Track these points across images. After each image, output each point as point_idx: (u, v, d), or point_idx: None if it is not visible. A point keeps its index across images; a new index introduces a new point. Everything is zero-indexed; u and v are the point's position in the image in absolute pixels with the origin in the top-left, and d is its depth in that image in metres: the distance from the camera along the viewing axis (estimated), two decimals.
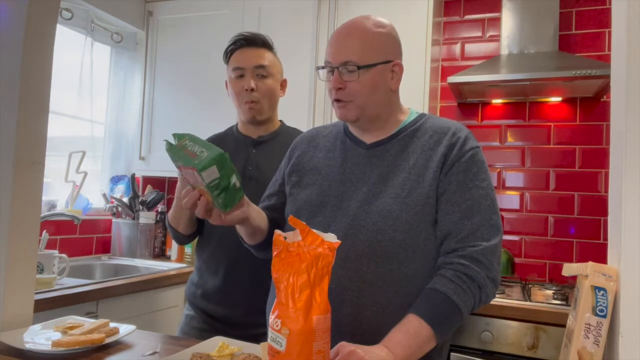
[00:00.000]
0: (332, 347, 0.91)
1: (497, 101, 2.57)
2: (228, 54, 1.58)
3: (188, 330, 1.54)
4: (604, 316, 0.80)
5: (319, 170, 1.20)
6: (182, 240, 1.60)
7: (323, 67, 1.15)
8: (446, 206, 1.07)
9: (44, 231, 2.06)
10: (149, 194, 2.82)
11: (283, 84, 1.63)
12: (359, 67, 1.09)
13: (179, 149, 0.96)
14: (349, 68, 1.10)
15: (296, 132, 1.62)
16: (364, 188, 1.12)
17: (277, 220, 1.25)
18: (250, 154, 1.56)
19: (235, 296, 1.48)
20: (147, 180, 2.96)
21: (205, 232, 1.58)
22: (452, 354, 1.90)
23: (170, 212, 1.54)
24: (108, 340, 1.13)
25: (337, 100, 1.13)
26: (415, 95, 2.29)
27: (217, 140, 1.63)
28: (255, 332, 1.35)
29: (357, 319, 1.05)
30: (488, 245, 1.04)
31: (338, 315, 0.98)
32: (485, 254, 1.03)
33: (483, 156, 1.13)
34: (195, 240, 1.64)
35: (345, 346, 0.90)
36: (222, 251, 1.51)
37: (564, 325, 0.94)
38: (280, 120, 1.65)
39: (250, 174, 1.52)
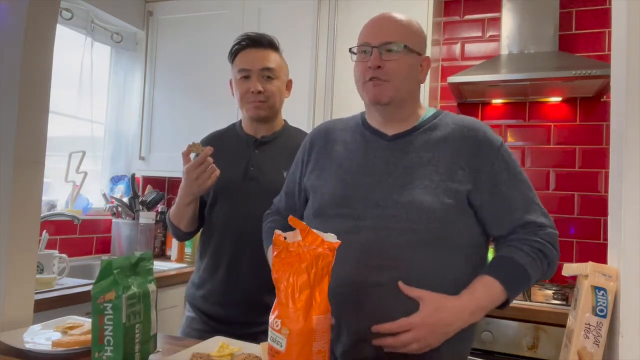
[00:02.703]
0: (331, 346, 0.90)
1: (497, 101, 2.57)
2: (233, 54, 1.57)
3: (189, 331, 1.54)
4: (604, 316, 0.80)
5: (340, 164, 1.19)
6: (182, 237, 1.61)
7: (361, 48, 1.16)
8: (501, 204, 1.11)
9: (44, 231, 2.05)
10: (149, 194, 2.82)
11: (289, 85, 1.62)
12: (405, 46, 1.13)
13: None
14: (391, 47, 1.12)
15: (299, 132, 1.61)
16: (389, 179, 1.12)
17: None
18: (252, 154, 1.55)
19: (235, 296, 1.48)
20: (147, 180, 2.96)
21: (205, 233, 1.58)
22: None
23: (173, 209, 1.53)
24: None
25: (372, 80, 1.13)
26: None
27: (216, 138, 1.62)
28: (256, 330, 1.35)
29: (396, 309, 1.03)
30: (555, 232, 1.14)
31: (377, 307, 1.01)
32: (555, 239, 1.13)
33: (508, 147, 1.18)
34: (197, 241, 1.64)
35: (429, 301, 1.01)
36: (222, 250, 1.51)
37: (564, 325, 0.94)
38: (284, 120, 1.64)
39: (251, 175, 1.51)
